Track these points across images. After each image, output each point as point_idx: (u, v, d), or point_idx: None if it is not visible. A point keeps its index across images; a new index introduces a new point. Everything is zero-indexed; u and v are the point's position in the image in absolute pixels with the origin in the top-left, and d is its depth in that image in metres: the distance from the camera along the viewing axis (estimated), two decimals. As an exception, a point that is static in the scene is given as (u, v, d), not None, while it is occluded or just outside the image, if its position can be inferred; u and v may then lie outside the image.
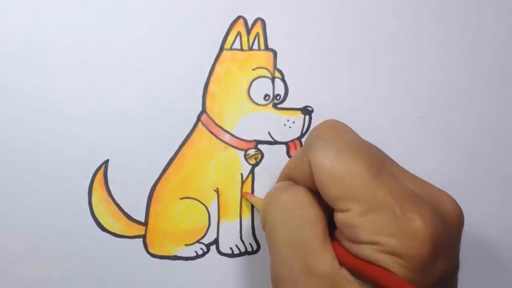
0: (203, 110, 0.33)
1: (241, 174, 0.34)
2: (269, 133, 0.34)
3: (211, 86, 0.33)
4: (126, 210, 0.33)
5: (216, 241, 0.34)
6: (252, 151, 0.34)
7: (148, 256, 0.33)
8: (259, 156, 0.34)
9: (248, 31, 0.34)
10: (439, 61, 0.34)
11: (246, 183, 0.34)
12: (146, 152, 0.33)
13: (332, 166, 0.24)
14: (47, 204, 0.32)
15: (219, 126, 0.33)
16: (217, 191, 0.34)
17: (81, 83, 0.32)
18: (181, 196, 0.33)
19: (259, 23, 0.34)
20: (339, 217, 0.24)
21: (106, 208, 0.33)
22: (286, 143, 0.34)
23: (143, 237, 0.33)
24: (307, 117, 0.34)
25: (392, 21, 0.34)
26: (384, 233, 0.23)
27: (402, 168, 0.26)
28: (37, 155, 0.32)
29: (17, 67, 0.32)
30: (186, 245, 0.33)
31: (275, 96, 0.34)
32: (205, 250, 0.34)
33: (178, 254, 0.33)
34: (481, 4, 0.35)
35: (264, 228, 0.28)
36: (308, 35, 0.34)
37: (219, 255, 0.34)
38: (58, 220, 0.32)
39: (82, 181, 0.32)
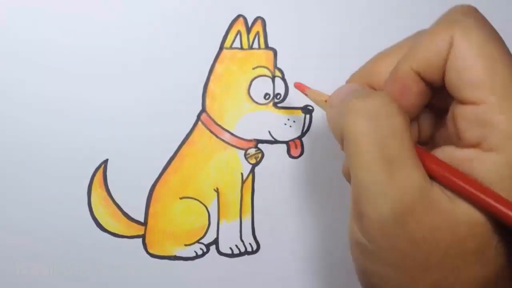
0: (203, 109, 0.33)
1: (241, 174, 0.34)
2: (269, 132, 0.34)
3: (211, 85, 0.33)
4: (125, 210, 0.33)
5: (216, 241, 0.33)
6: (252, 151, 0.34)
7: (148, 256, 0.33)
8: (260, 155, 0.34)
9: (248, 30, 0.33)
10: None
11: (246, 182, 0.34)
12: (146, 151, 0.33)
13: (483, 45, 0.21)
14: (47, 204, 0.32)
15: (219, 125, 0.33)
16: (217, 190, 0.33)
17: (80, 83, 0.32)
18: (180, 196, 0.33)
19: (259, 22, 0.33)
20: (467, 111, 0.21)
21: (106, 208, 0.33)
22: (286, 142, 0.34)
23: (143, 237, 0.33)
24: (307, 116, 0.34)
25: (392, 20, 0.34)
26: None
27: None
28: (37, 155, 0.32)
29: (17, 67, 0.32)
30: (186, 245, 0.33)
31: (276, 95, 0.34)
32: (205, 250, 0.33)
33: (178, 254, 0.33)
34: (481, 4, 0.34)
35: (341, 141, 0.24)
36: (308, 33, 0.34)
37: (218, 255, 0.33)
38: (58, 220, 0.32)
39: (81, 181, 0.33)
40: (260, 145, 0.34)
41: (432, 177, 0.22)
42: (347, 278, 0.34)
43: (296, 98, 0.34)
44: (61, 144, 0.32)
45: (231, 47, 0.33)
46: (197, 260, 0.33)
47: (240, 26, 0.33)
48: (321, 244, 0.34)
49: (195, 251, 0.33)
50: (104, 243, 0.33)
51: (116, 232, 0.33)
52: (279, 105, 0.34)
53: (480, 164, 0.21)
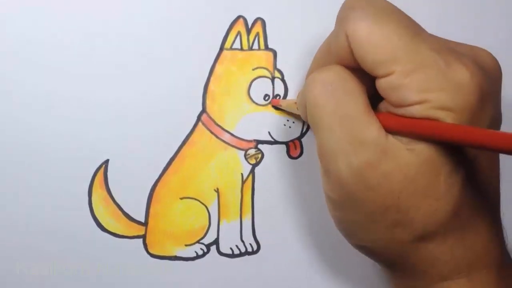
0: (203, 110, 0.33)
1: (242, 174, 0.34)
2: (269, 133, 0.34)
3: (211, 86, 0.33)
4: (126, 210, 0.33)
5: (216, 242, 0.34)
6: (252, 151, 0.34)
7: (148, 256, 0.33)
8: (259, 156, 0.34)
9: (248, 31, 0.34)
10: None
11: (246, 183, 0.34)
12: (146, 152, 0.33)
13: (370, 32, 0.24)
14: (47, 204, 0.32)
15: (219, 126, 0.33)
16: (217, 191, 0.34)
17: (81, 83, 0.32)
18: (181, 196, 0.33)
19: (259, 23, 0.34)
20: (382, 83, 0.24)
21: (106, 208, 0.33)
22: (286, 143, 0.34)
23: (143, 237, 0.33)
24: (307, 117, 0.34)
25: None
26: (432, 88, 0.23)
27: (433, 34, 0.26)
28: (37, 155, 0.32)
29: (17, 67, 0.32)
30: (186, 245, 0.33)
31: (275, 96, 0.34)
32: (205, 250, 0.33)
33: (178, 255, 0.33)
34: (481, 4, 0.35)
35: (305, 114, 0.27)
36: (308, 35, 0.34)
37: (219, 256, 0.34)
38: (58, 220, 0.32)
39: (82, 181, 0.32)
40: (260, 146, 0.34)
41: (387, 130, 0.24)
42: (347, 278, 0.34)
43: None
44: (61, 145, 0.32)
45: (231, 48, 0.33)
46: (197, 261, 0.33)
47: (240, 27, 0.34)
48: (321, 244, 0.34)
49: (195, 251, 0.33)
50: (104, 243, 0.33)
51: (117, 232, 0.33)
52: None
53: (410, 115, 0.23)
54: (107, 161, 0.33)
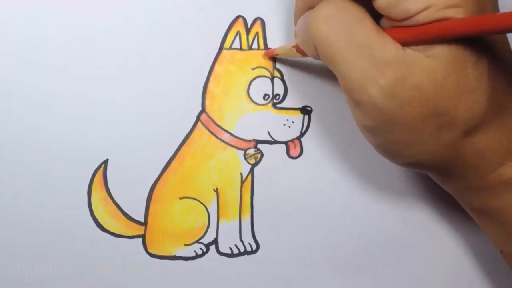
0: (203, 110, 0.33)
1: (241, 174, 0.34)
2: (268, 132, 0.34)
3: (210, 86, 0.33)
4: (125, 210, 0.33)
5: (215, 241, 0.34)
6: (251, 151, 0.34)
7: (148, 256, 0.33)
8: (259, 155, 0.34)
9: (248, 31, 0.34)
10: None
11: (245, 182, 0.34)
12: (146, 151, 0.33)
13: None
14: (47, 204, 0.32)
15: (219, 126, 0.33)
16: (216, 190, 0.34)
17: (80, 83, 0.32)
18: (180, 196, 0.33)
19: (258, 23, 0.34)
20: (381, 1, 0.24)
21: (106, 208, 0.33)
22: (285, 143, 0.34)
23: (143, 237, 0.33)
24: (306, 116, 0.34)
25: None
26: None
27: None
28: (37, 155, 0.32)
29: (17, 67, 0.32)
30: (186, 245, 0.33)
31: (275, 96, 0.34)
32: (205, 250, 0.34)
33: (178, 254, 0.33)
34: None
35: (315, 53, 0.27)
36: (307, 34, 0.34)
37: (218, 255, 0.34)
38: (58, 220, 0.32)
39: (81, 181, 0.32)
40: (259, 146, 0.34)
41: (401, 44, 0.24)
42: (347, 278, 0.34)
43: (295, 99, 0.34)
44: (61, 144, 0.32)
45: (230, 48, 0.33)
46: (196, 260, 0.33)
47: (239, 26, 0.33)
48: (320, 244, 0.34)
49: (194, 251, 0.33)
50: (104, 243, 0.33)
51: (116, 232, 0.33)
52: (278, 105, 0.34)
53: (418, 24, 0.24)
54: (106, 161, 0.33)
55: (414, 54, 0.24)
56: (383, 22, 0.26)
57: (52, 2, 0.32)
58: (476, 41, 0.24)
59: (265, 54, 0.34)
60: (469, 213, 0.30)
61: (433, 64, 0.24)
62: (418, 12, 0.23)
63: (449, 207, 0.35)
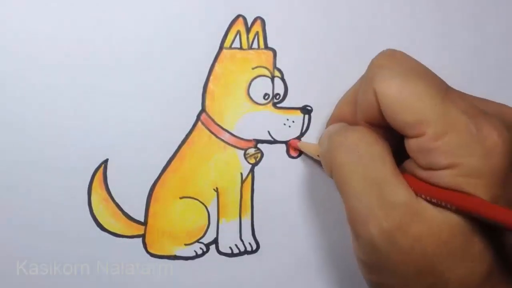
0: (203, 109, 0.33)
1: (241, 174, 0.34)
2: (268, 132, 0.34)
3: (210, 85, 0.33)
4: (125, 209, 0.33)
5: (215, 241, 0.34)
6: (251, 150, 0.34)
7: (148, 255, 0.33)
8: (259, 155, 0.34)
9: (248, 30, 0.33)
10: (438, 60, 0.34)
11: (246, 182, 0.34)
12: (146, 151, 0.33)
13: (400, 91, 0.23)
14: (47, 204, 0.32)
15: (219, 125, 0.33)
16: (216, 190, 0.34)
17: (80, 83, 0.32)
18: (180, 196, 0.33)
19: (258, 22, 0.34)
20: (412, 144, 0.24)
21: (106, 207, 0.33)
22: (285, 142, 0.34)
23: (143, 236, 0.33)
24: (306, 116, 0.34)
25: (392, 20, 0.34)
26: (463, 153, 0.22)
27: (460, 91, 0.26)
28: (37, 155, 0.32)
29: (17, 66, 0.32)
30: (186, 244, 0.33)
31: (275, 95, 0.34)
32: (205, 249, 0.34)
33: (178, 254, 0.33)
34: (481, 4, 0.35)
35: (331, 174, 0.27)
36: (308, 34, 0.34)
37: (218, 255, 0.34)
38: (58, 220, 0.32)
39: (81, 181, 0.32)
40: (259, 145, 0.34)
41: (415, 192, 0.24)
42: (347, 278, 0.34)
43: (295, 99, 0.34)
44: (61, 144, 0.32)
45: (230, 47, 0.33)
46: (197, 260, 0.33)
47: (239, 26, 0.33)
48: (320, 244, 0.34)
49: (195, 251, 0.33)
50: (104, 243, 0.33)
51: (116, 231, 0.33)
52: (278, 105, 0.34)
53: (439, 180, 0.23)
54: (106, 161, 0.33)
55: (425, 206, 0.23)
56: (407, 163, 0.25)
57: (52, 2, 0.32)
58: None
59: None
60: None
61: (441, 220, 0.23)
62: (442, 168, 0.23)
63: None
